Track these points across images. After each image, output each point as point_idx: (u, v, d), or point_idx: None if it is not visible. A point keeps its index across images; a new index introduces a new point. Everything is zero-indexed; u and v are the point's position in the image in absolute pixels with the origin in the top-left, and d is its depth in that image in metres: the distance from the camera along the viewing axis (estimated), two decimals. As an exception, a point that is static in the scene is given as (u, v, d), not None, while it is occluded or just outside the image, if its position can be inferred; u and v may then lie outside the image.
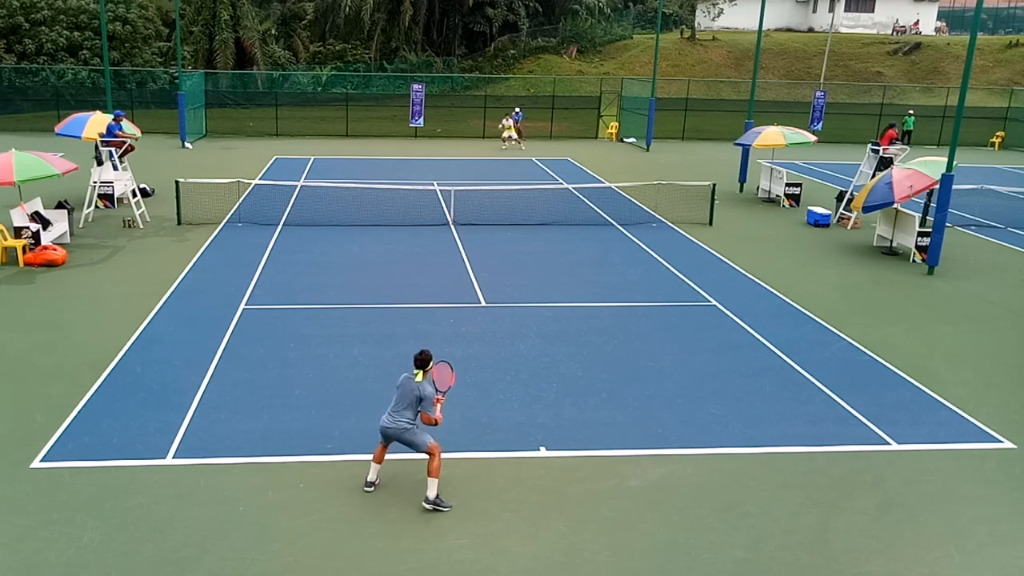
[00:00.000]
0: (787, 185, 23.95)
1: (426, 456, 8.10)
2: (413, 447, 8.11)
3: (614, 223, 20.88)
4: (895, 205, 17.95)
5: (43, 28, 45.89)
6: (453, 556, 7.39)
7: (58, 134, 23.00)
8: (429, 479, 8.02)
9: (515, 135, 35.10)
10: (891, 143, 22.22)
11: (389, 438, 8.17)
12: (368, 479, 8.36)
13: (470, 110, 38.76)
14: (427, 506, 8.02)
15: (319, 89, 50.78)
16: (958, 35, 68.04)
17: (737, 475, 8.88)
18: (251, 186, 23.53)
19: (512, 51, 60.05)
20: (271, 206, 21.31)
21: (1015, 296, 15.83)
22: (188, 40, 49.29)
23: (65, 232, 17.65)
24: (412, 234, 19.21)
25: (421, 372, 7.99)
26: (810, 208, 21.86)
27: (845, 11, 65.47)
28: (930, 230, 17.18)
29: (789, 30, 65.38)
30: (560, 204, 22.61)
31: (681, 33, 63.41)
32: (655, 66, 35.44)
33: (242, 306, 13.81)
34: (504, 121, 35.51)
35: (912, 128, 38.81)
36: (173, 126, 34.34)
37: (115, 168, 20.79)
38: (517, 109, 39.17)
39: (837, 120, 41.20)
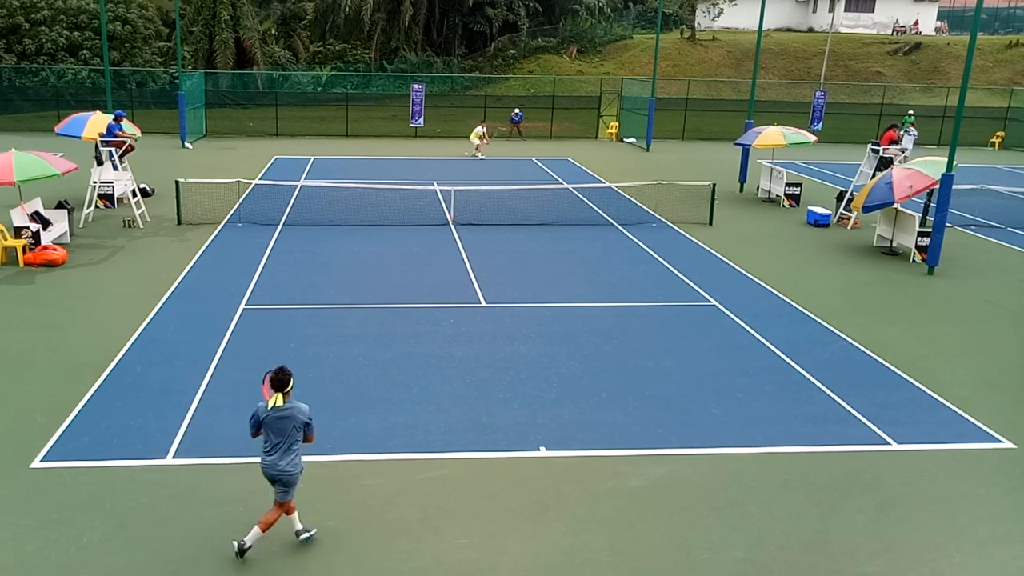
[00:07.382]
0: (787, 185, 23.95)
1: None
2: (292, 487, 7.16)
3: (614, 223, 20.88)
4: (895, 205, 17.96)
5: (43, 28, 45.89)
6: (453, 556, 7.39)
7: (58, 134, 23.01)
8: (294, 516, 7.34)
9: (480, 142, 32.97)
10: (891, 144, 22.21)
11: (277, 482, 7.13)
12: (246, 543, 7.14)
13: (470, 110, 38.77)
14: (306, 536, 7.38)
15: (319, 89, 50.76)
16: (958, 35, 67.99)
17: (737, 475, 8.88)
18: (251, 186, 23.53)
19: (512, 51, 60.00)
20: (271, 206, 21.31)
21: (1015, 296, 15.83)
22: (188, 40, 49.27)
23: (65, 232, 17.65)
24: (412, 234, 19.21)
25: (281, 395, 6.94)
26: (810, 208, 21.86)
27: (845, 11, 65.41)
28: (930, 230, 17.18)
29: (789, 30, 65.34)
30: (560, 204, 22.60)
31: (681, 33, 63.37)
32: (655, 66, 35.44)
33: (242, 306, 13.81)
34: (478, 129, 33.43)
35: (912, 128, 38.81)
36: (173, 126, 34.34)
37: (115, 168, 20.78)
38: (516, 110, 39.22)
39: (837, 120, 41.20)
